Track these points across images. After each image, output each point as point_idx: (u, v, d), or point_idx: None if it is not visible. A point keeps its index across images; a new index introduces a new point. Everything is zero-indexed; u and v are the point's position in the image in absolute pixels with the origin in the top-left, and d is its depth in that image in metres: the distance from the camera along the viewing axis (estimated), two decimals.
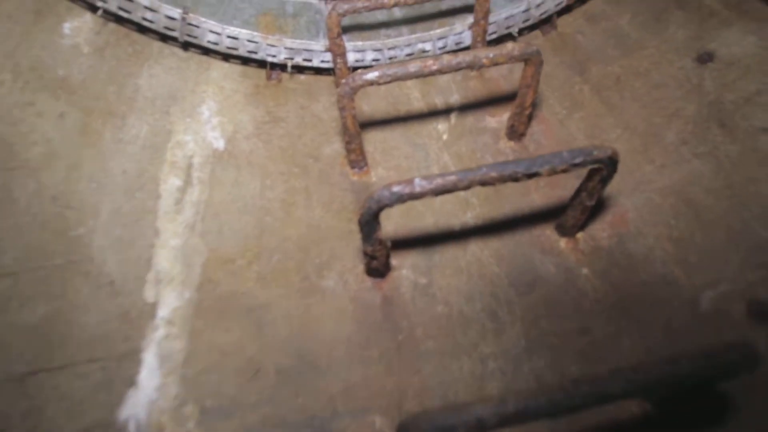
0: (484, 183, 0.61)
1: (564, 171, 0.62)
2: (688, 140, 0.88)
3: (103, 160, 0.85)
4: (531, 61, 0.83)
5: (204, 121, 0.97)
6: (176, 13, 1.01)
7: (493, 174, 0.60)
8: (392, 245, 0.84)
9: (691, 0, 1.03)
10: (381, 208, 0.62)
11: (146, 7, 0.99)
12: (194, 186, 0.84)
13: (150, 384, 0.64)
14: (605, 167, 0.64)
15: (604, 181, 0.67)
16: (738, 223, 0.76)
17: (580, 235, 0.83)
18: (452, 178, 0.59)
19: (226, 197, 0.85)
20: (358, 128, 0.88)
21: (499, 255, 0.83)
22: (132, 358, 0.66)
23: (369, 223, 0.64)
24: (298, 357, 0.68)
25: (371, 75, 0.79)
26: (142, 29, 1.04)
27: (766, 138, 0.81)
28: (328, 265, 0.80)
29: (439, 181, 0.59)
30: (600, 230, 0.83)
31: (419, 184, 0.59)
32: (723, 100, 0.88)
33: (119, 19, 1.01)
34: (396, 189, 0.59)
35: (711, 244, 0.76)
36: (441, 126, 1.06)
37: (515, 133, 0.98)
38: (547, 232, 0.84)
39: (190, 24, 1.02)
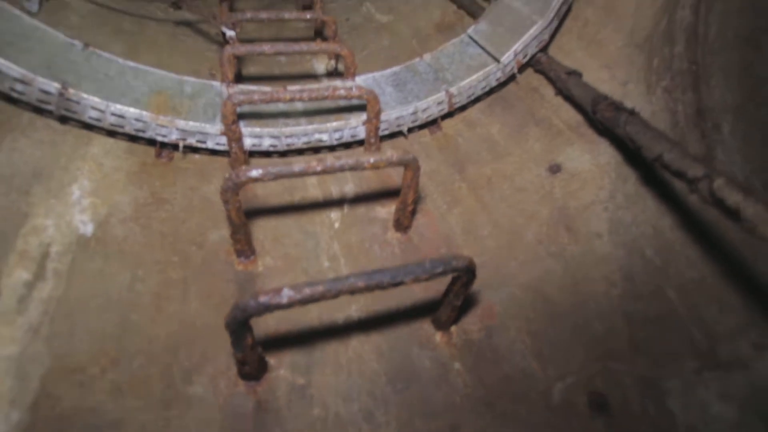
0: (352, 292, 0.63)
1: (427, 279, 0.67)
2: (543, 240, 1.01)
3: None
4: (409, 166, 0.91)
5: (72, 203, 0.89)
6: (53, 87, 0.95)
7: (360, 284, 0.63)
8: (273, 342, 0.82)
9: (544, 119, 1.24)
10: (247, 318, 0.60)
11: (16, 79, 0.92)
12: (47, 280, 0.75)
13: None
14: (464, 274, 0.71)
15: (466, 285, 0.74)
16: (580, 318, 0.87)
17: (454, 328, 0.88)
18: (320, 288, 0.61)
19: (86, 292, 0.77)
20: (243, 219, 0.87)
21: (379, 350, 0.84)
22: None
23: (236, 331, 0.63)
24: None
25: (255, 173, 0.81)
26: (12, 99, 0.96)
27: (600, 242, 0.97)
28: (197, 369, 0.75)
29: (307, 291, 0.61)
30: (471, 323, 0.89)
31: (287, 295, 0.60)
32: (568, 206, 1.05)
33: None
34: (262, 300, 0.59)
35: (560, 337, 0.86)
36: (334, 214, 1.10)
37: (401, 225, 1.05)
38: (425, 326, 0.88)
39: (69, 99, 0.97)
